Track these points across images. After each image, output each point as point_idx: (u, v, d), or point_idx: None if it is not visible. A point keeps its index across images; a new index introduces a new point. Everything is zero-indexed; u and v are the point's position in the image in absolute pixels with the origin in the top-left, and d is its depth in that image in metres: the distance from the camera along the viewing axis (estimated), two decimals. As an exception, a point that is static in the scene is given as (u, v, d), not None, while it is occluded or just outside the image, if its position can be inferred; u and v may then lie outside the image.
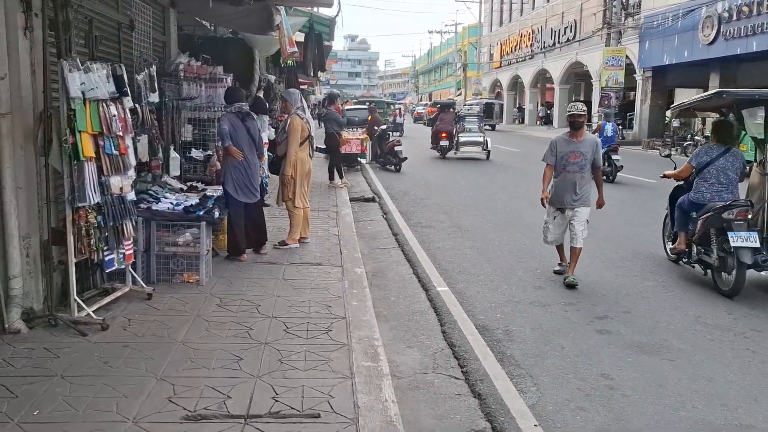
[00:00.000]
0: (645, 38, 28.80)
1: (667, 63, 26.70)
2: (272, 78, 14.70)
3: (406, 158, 16.57)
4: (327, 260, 6.74)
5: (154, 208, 5.53)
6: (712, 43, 23.35)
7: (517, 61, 50.15)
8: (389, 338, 4.99)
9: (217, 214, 5.76)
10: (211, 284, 5.66)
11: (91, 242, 4.41)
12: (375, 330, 4.75)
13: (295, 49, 12.97)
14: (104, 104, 4.48)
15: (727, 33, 22.37)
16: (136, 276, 5.22)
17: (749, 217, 6.21)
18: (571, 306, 5.82)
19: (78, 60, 4.30)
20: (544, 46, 43.96)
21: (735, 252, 6.00)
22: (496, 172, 16.88)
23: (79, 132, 4.25)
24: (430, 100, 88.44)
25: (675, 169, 7.52)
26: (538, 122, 47.07)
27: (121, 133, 4.63)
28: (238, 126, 6.60)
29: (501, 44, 54.84)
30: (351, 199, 11.80)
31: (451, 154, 20.77)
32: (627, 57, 30.19)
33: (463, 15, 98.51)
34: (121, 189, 4.72)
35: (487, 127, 43.12)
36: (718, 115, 7.61)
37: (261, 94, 13.46)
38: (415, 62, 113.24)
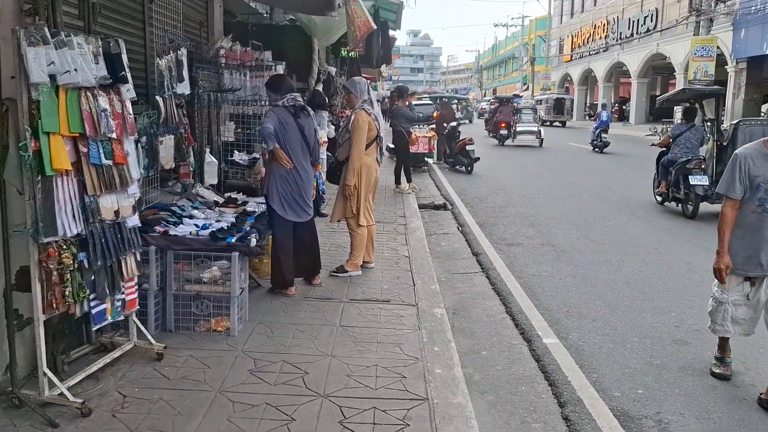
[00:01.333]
0: (740, 25, 26.12)
1: (767, 53, 24.02)
2: (332, 70, 13.38)
3: (478, 158, 14.96)
4: (397, 295, 5.28)
5: (172, 232, 4.18)
6: (824, 28, 20.72)
7: (589, 54, 47.52)
8: (488, 424, 3.49)
9: (254, 241, 4.35)
10: (246, 334, 4.27)
11: (66, 292, 3.07)
12: (472, 424, 3.25)
13: (374, 26, 11.60)
14: (89, 94, 3.14)
15: None
16: (143, 328, 3.86)
17: (702, 167, 9.62)
18: (740, 377, 4.16)
19: (46, 30, 2.96)
20: (620, 38, 41.30)
21: (693, 188, 9.40)
22: (585, 178, 15.04)
23: (47, 134, 2.91)
24: (494, 95, 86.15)
25: (660, 140, 11.10)
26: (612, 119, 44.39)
27: (116, 135, 3.28)
28: (288, 124, 5.15)
29: (572, 36, 52.23)
30: (420, 206, 10.33)
31: (509, 141, 23.55)
32: (717, 47, 27.57)
33: (530, 6, 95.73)
34: (116, 213, 3.38)
35: (557, 123, 41.15)
36: (689, 104, 10.98)
37: (320, 88, 12.16)
38: (479, 57, 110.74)
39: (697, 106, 10.50)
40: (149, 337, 3.85)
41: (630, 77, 41.02)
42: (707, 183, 9.32)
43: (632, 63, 39.51)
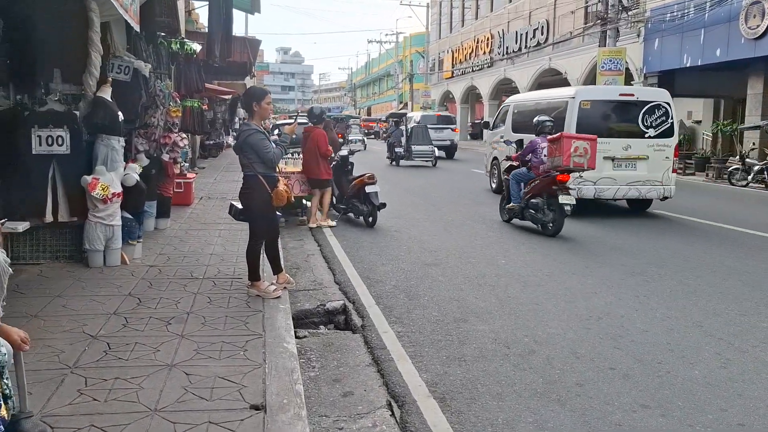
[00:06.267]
0: (652, 36, 23.31)
1: (689, 65, 21.15)
2: (143, 66, 7.85)
3: (384, 205, 9.95)
4: None
5: None
6: (761, 37, 17.89)
7: (473, 70, 44.53)
8: None
9: None
10: None
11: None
12: None
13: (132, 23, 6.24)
14: None
15: (789, 22, 16.94)
16: None
17: (401, 144, 24.23)
18: None
19: None
20: (507, 52, 38.43)
21: (396, 153, 24.30)
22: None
23: None
24: (369, 114, 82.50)
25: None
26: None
27: None
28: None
29: (453, 52, 49.23)
30: (299, 318, 5.25)
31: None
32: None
33: (404, 22, 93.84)
34: None
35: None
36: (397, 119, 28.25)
37: (107, 94, 6.67)
38: (351, 75, 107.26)
39: (401, 120, 25.80)
40: None
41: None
42: (402, 150, 23.53)
43: (521, 79, 36.61)
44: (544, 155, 9.56)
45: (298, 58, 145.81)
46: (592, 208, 12.01)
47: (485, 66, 42.24)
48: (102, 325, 4.60)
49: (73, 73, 6.51)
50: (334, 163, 10.69)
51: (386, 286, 6.52)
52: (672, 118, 11.55)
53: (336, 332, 5.37)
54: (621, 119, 11.63)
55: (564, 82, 32.04)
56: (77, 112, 6.40)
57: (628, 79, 25.39)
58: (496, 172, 14.69)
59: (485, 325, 5.28)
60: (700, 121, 26.09)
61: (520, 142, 11.00)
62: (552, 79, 34.16)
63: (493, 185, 15.04)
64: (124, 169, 6.66)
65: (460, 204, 12.78)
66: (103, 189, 6.18)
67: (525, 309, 5.73)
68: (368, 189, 9.77)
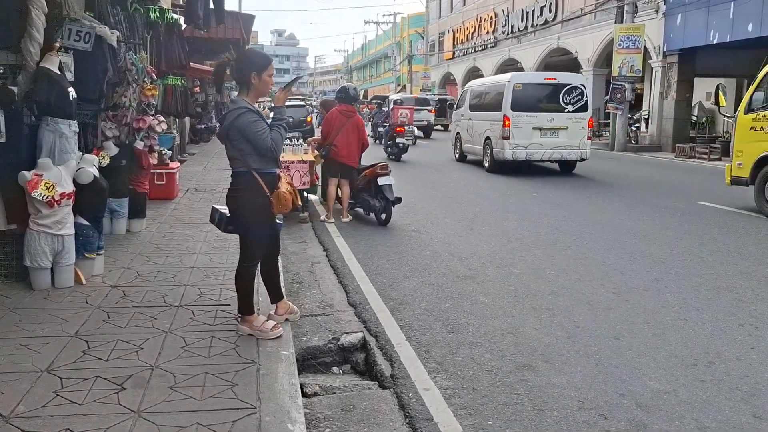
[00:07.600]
0: (674, 11, 21.78)
1: (716, 42, 19.65)
2: (111, 33, 6.34)
3: (399, 199, 8.51)
4: None
5: None
6: (801, 9, 16.43)
7: (475, 51, 42.91)
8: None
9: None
10: None
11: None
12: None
13: None
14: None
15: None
16: None
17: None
18: None
19: None
20: (512, 31, 36.81)
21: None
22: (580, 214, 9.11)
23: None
24: (366, 97, 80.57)
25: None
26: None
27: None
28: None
29: (454, 32, 47.56)
30: (303, 362, 3.84)
31: None
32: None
33: (402, 2, 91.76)
34: None
35: (439, 127, 36.18)
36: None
37: (52, 65, 5.20)
38: (348, 57, 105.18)
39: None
40: None
41: (524, 76, 36.58)
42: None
43: (527, 59, 35.02)
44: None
45: (293, 41, 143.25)
46: (627, 203, 10.61)
47: (488, 46, 40.66)
48: (24, 393, 3.18)
49: (11, 38, 5.04)
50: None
51: (415, 309, 5.11)
52: (586, 97, 14.47)
53: (357, 383, 3.96)
54: (546, 98, 14.45)
55: (574, 62, 30.54)
56: (15, 89, 4.93)
57: (646, 58, 23.92)
58: (458, 144, 18.06)
59: (560, 375, 3.88)
60: (721, 103, 24.61)
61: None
62: (560, 59, 32.63)
63: (456, 155, 18.35)
64: (79, 161, 5.20)
65: (470, 191, 11.35)
66: (47, 188, 4.73)
67: (604, 347, 4.33)
68: (381, 181, 8.32)
